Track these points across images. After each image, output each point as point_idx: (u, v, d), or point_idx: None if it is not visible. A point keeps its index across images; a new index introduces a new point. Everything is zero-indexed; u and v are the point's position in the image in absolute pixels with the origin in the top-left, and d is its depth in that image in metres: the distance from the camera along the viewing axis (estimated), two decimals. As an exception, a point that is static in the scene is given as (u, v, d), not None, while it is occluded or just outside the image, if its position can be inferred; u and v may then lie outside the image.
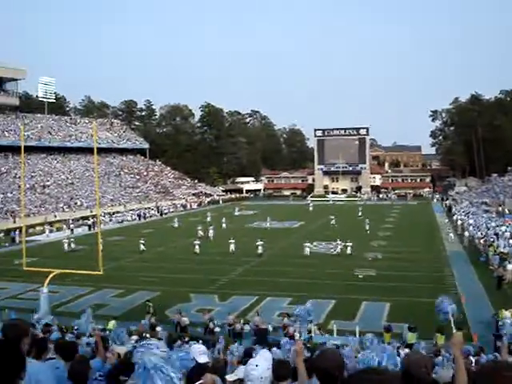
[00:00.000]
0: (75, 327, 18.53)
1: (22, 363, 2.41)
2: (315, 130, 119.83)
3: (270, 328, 22.23)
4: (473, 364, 12.94)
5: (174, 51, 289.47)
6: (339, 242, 42.52)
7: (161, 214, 77.62)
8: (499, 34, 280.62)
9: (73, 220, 64.37)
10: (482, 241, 41.25)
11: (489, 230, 46.36)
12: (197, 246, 43.91)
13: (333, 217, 62.69)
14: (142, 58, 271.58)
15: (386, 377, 2.06)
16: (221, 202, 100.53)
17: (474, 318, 24.58)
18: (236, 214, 77.09)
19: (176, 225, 62.30)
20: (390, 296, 28.69)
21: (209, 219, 63.19)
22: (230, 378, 4.63)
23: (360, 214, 69.30)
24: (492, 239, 40.81)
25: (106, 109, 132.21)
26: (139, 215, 73.69)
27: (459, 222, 54.96)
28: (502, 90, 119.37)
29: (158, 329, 23.13)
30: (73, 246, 47.13)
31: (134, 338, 17.55)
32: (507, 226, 47.97)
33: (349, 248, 41.66)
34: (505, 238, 41.96)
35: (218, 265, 38.76)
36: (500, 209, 67.02)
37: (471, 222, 52.83)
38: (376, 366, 2.24)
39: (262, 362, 3.79)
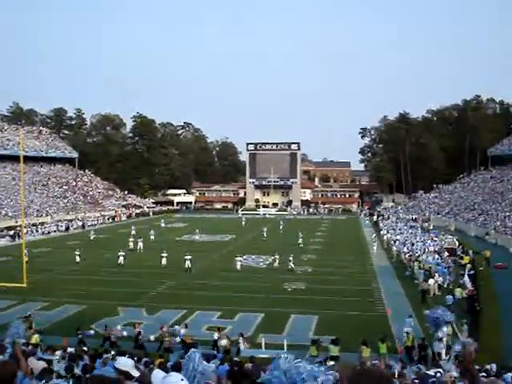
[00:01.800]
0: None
1: None
2: (247, 144, 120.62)
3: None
4: (395, 375, 13.26)
5: (107, 58, 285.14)
6: (276, 257, 42.75)
7: (83, 227, 74.92)
8: (428, 54, 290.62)
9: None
10: (407, 256, 42.47)
11: (413, 245, 47.81)
12: (121, 258, 43.15)
13: (265, 229, 63.59)
14: (74, 65, 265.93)
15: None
16: (151, 214, 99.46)
17: (399, 330, 25.22)
18: (162, 225, 76.28)
19: (92, 237, 61.26)
20: (319, 309, 29.09)
21: (133, 232, 61.99)
22: None
23: (281, 227, 70.56)
24: (417, 254, 42.12)
25: (35, 116, 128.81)
26: (67, 227, 71.86)
27: (385, 237, 56.38)
28: (428, 109, 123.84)
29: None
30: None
31: (58, 352, 17.12)
32: (432, 242, 49.61)
33: (276, 261, 42.02)
34: (429, 252, 43.43)
35: (146, 278, 38.27)
36: (426, 224, 69.24)
37: (398, 237, 54.34)
38: None
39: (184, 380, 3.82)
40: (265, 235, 61.98)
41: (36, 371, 5.38)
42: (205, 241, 59.85)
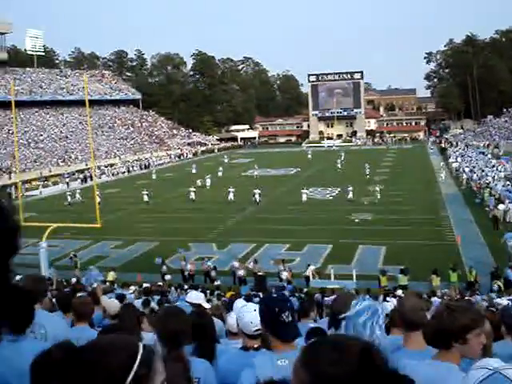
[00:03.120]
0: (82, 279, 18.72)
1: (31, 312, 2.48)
2: (309, 75, 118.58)
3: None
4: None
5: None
6: (350, 188, 42.29)
7: (148, 167, 75.95)
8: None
9: (68, 174, 64.25)
10: (477, 183, 41.47)
11: (483, 172, 46.50)
12: (192, 193, 44.48)
13: (339, 161, 64.28)
14: (131, 6, 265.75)
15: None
16: (216, 150, 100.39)
17: (469, 258, 24.99)
18: (225, 161, 76.92)
19: (154, 176, 62.58)
20: (387, 239, 29.00)
21: (194, 171, 63.22)
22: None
23: (340, 161, 67.45)
24: (488, 181, 41.00)
25: (97, 60, 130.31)
26: (140, 166, 73.88)
27: (454, 165, 55.08)
28: (497, 29, 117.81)
29: (168, 277, 23.59)
30: (78, 196, 47.45)
31: (132, 288, 17.87)
32: (502, 168, 48.20)
33: (350, 193, 41.87)
34: (500, 179, 42.22)
35: (215, 213, 38.96)
36: (496, 150, 67.06)
37: (467, 164, 53.00)
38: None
39: (256, 307, 3.92)
40: (339, 166, 62.55)
41: (110, 311, 5.67)
42: (269, 175, 60.11)
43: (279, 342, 3.10)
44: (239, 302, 5.32)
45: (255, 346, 3.79)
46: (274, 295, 3.28)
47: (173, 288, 19.67)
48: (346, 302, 3.52)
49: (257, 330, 3.73)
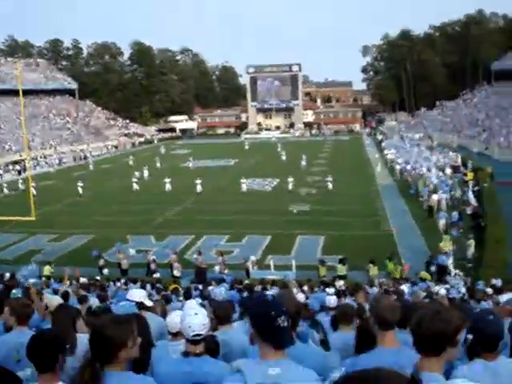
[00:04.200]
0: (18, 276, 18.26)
1: None
2: (247, 67, 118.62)
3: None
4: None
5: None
6: (290, 180, 42.45)
7: (85, 158, 74.17)
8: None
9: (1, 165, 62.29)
10: (413, 173, 42.49)
11: (417, 163, 47.63)
12: (134, 184, 44.71)
13: (284, 152, 64.49)
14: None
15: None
16: (155, 141, 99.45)
17: (404, 247, 25.71)
18: (162, 152, 76.36)
19: (91, 167, 61.95)
20: (325, 230, 29.44)
21: (131, 163, 62.64)
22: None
23: (279, 149, 69.49)
24: (422, 172, 42.05)
25: (31, 49, 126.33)
26: (76, 158, 72.38)
27: (389, 157, 56.26)
28: (430, 24, 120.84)
29: (105, 271, 23.23)
30: (6, 191, 46.10)
31: (68, 283, 17.52)
32: (435, 158, 49.50)
33: (290, 184, 42.09)
34: (433, 169, 43.34)
35: (153, 205, 38.57)
36: (429, 142, 68.82)
37: (400, 155, 54.21)
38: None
39: (198, 310, 3.86)
40: (283, 158, 62.55)
41: (51, 308, 5.47)
42: (207, 166, 59.90)
43: (272, 349, 2.91)
44: (189, 303, 5.20)
45: (197, 351, 3.69)
46: (267, 298, 3.10)
47: (111, 283, 19.40)
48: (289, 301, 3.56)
49: (196, 336, 3.63)
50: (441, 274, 20.70)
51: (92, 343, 2.93)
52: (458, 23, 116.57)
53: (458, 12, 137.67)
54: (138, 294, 5.86)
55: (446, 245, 23.30)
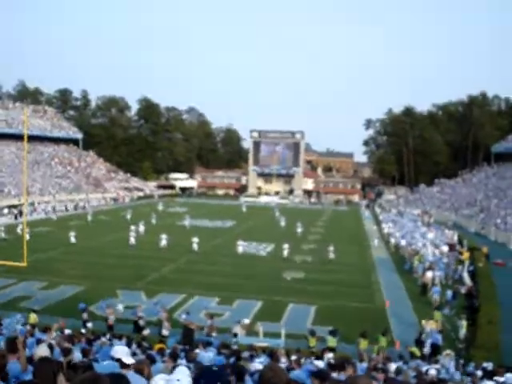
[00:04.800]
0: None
1: None
2: (251, 131, 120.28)
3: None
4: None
5: (112, 39, 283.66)
6: (286, 246, 42.11)
7: (84, 208, 74.99)
8: (434, 48, 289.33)
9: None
10: (409, 249, 42.38)
11: (413, 239, 47.64)
12: (132, 238, 44.70)
13: (283, 218, 64.34)
14: (80, 45, 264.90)
15: None
16: (156, 196, 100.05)
17: (397, 323, 25.36)
18: (160, 209, 76.40)
19: (90, 218, 61.16)
20: (317, 299, 29.15)
21: (128, 216, 62.53)
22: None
23: (277, 214, 70.26)
24: (418, 249, 41.99)
25: (40, 96, 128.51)
26: (70, 207, 72.20)
27: (386, 230, 56.33)
28: (434, 103, 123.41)
29: (89, 324, 22.76)
30: (2, 235, 45.89)
31: (54, 334, 17.14)
32: (432, 236, 49.47)
33: (286, 251, 41.82)
34: (429, 247, 43.26)
35: (147, 261, 38.32)
36: (426, 218, 68.97)
37: (397, 230, 54.25)
38: None
39: (183, 376, 3.77)
40: (282, 224, 62.26)
41: (36, 357, 5.34)
42: (204, 226, 59.78)
43: None
44: (179, 371, 5.05)
45: None
46: (214, 368, 3.09)
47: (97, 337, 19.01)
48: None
49: None
50: (433, 353, 20.35)
51: None
52: (460, 103, 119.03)
53: (461, 93, 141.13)
54: (120, 350, 5.74)
55: (435, 322, 23.16)
